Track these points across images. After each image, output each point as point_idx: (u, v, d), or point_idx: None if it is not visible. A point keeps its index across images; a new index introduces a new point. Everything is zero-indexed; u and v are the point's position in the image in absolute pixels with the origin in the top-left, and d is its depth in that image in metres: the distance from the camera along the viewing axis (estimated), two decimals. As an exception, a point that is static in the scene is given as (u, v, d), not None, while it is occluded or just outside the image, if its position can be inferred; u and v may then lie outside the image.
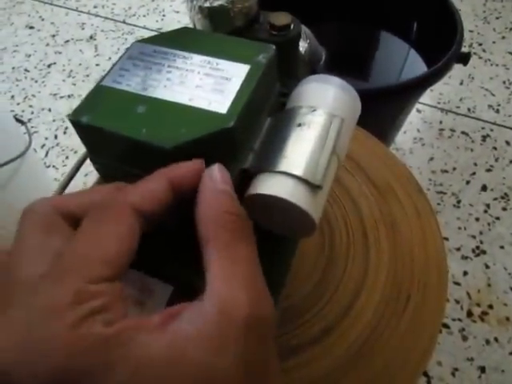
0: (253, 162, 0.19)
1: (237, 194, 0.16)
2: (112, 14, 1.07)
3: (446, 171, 0.71)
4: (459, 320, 0.57)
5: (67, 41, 1.01)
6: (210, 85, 0.18)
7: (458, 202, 0.68)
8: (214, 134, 0.16)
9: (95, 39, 1.00)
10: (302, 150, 0.18)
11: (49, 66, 0.95)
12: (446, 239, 0.64)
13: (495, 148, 0.74)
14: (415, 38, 0.60)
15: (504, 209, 0.67)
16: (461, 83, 0.85)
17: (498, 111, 0.79)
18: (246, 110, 0.17)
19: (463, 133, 0.76)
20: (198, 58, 0.19)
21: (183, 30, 0.21)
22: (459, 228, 0.65)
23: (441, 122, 0.78)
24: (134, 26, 1.03)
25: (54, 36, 1.02)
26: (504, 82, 0.84)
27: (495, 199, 0.68)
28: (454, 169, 0.72)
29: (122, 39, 0.99)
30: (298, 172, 0.17)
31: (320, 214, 0.18)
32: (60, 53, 0.98)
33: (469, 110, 0.80)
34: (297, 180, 0.17)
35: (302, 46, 0.33)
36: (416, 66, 0.60)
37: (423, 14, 0.55)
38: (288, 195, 0.17)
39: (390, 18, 0.62)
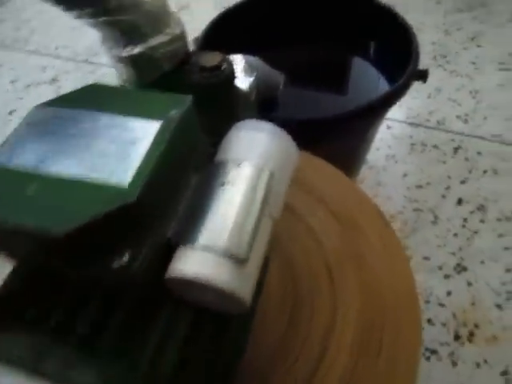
0: (176, 230, 0.17)
1: (160, 268, 0.14)
2: (74, 53, 1.05)
3: (421, 186, 0.70)
4: (447, 344, 0.55)
5: (28, 85, 0.98)
6: (115, 151, 0.16)
7: (435, 217, 0.66)
8: (113, 212, 0.14)
9: (58, 81, 0.98)
10: (224, 217, 0.16)
11: (10, 113, 0.92)
12: (427, 258, 0.62)
13: (467, 159, 0.73)
14: (374, 56, 0.59)
15: (481, 221, 0.66)
16: (428, 96, 0.85)
17: (466, 121, 0.79)
18: (155, 176, 0.15)
19: (434, 146, 0.76)
20: (105, 119, 0.17)
21: (90, 88, 0.18)
22: (438, 246, 0.63)
23: (411, 137, 0.78)
24: (98, 64, 1.01)
25: (13, 82, 1.00)
26: (470, 92, 0.85)
27: (472, 212, 0.67)
28: (428, 183, 0.70)
29: (85, 79, 0.98)
30: (220, 245, 0.15)
31: (250, 289, 0.16)
32: (21, 98, 0.95)
33: (438, 122, 0.80)
34: (218, 255, 0.15)
35: (246, 80, 0.31)
36: (379, 83, 0.59)
37: (380, 33, 0.55)
38: (209, 275, 0.15)
39: (350, 39, 0.61)
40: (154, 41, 0.23)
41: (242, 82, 0.32)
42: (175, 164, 0.17)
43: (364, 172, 0.72)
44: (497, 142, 0.76)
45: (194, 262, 0.15)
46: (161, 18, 0.23)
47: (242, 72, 0.33)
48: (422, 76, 0.45)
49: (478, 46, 0.94)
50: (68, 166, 0.15)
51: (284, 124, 0.42)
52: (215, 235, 0.15)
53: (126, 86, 0.18)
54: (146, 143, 0.16)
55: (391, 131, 0.79)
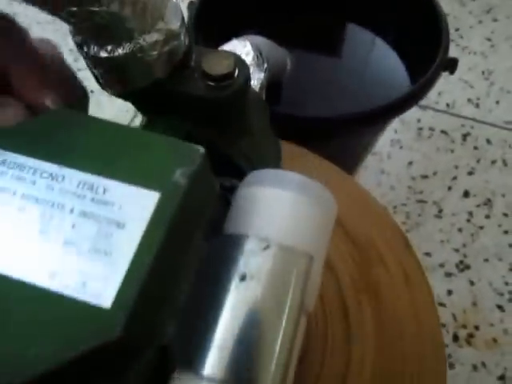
0: (176, 335, 0.12)
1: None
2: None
3: (426, 176, 0.66)
4: (446, 346, 0.53)
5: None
6: (89, 239, 0.11)
7: (440, 211, 0.63)
8: (89, 352, 0.09)
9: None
10: (243, 331, 0.11)
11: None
12: (429, 255, 0.59)
13: (476, 148, 0.69)
14: (393, 35, 0.53)
15: (487, 216, 0.63)
16: (438, 75, 0.79)
17: (477, 106, 0.74)
18: (151, 283, 0.10)
19: (443, 132, 0.71)
20: (72, 178, 0.12)
21: (53, 119, 0.13)
22: (442, 241, 0.60)
23: (419, 121, 0.72)
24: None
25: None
26: (483, 73, 0.79)
27: (478, 206, 0.63)
28: (435, 173, 0.66)
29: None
30: (237, 378, 0.11)
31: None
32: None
33: (448, 105, 0.74)
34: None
35: (257, 77, 0.26)
36: (390, 62, 0.53)
37: (404, 12, 0.48)
38: None
39: (366, 12, 0.54)
40: (144, 39, 0.17)
41: (253, 80, 0.27)
42: (178, 248, 0.12)
43: (367, 159, 0.67)
44: (508, 130, 0.71)
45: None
46: (153, 8, 0.17)
47: (252, 66, 0.27)
48: (451, 65, 0.39)
49: (494, 21, 0.87)
50: (9, 265, 0.10)
51: (291, 120, 0.37)
52: (229, 360, 0.11)
53: (107, 121, 0.13)
54: (138, 229, 0.11)
55: (398, 113, 0.74)
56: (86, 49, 0.17)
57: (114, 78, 0.18)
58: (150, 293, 0.10)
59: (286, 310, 0.11)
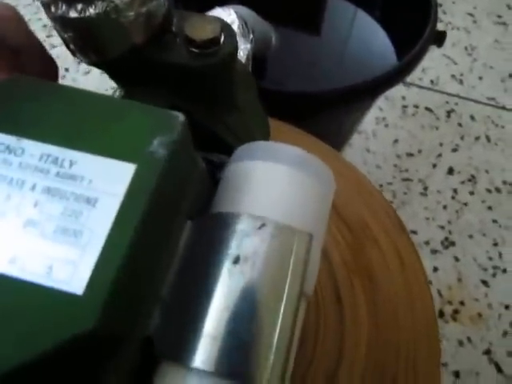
0: (159, 326, 0.11)
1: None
2: None
3: (412, 154, 0.66)
4: (432, 322, 0.53)
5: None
6: (53, 218, 0.09)
7: (425, 189, 0.63)
8: (59, 348, 0.08)
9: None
10: (240, 321, 0.10)
11: None
12: (415, 233, 0.59)
13: (460, 124, 0.69)
14: (379, 10, 0.51)
15: (471, 193, 0.63)
16: (422, 51, 0.78)
17: (461, 82, 0.74)
18: (129, 267, 0.09)
19: (427, 109, 0.71)
20: (34, 151, 0.10)
21: (10, 86, 0.11)
22: (427, 218, 0.60)
23: (404, 98, 0.72)
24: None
25: None
26: (466, 48, 0.78)
27: (462, 182, 0.64)
28: (420, 151, 0.66)
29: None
30: (233, 370, 0.09)
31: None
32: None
33: (432, 81, 0.74)
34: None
35: (244, 48, 0.24)
36: (369, 29, 0.51)
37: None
38: None
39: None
40: (118, -2, 0.15)
41: (239, 50, 0.25)
42: (158, 228, 0.11)
43: (352, 137, 0.66)
44: (491, 106, 0.71)
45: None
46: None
47: (237, 36, 0.25)
48: (439, 38, 0.38)
49: (477, -5, 0.86)
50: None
51: (278, 96, 0.35)
52: (222, 352, 0.10)
53: (74, 88, 0.11)
54: (112, 205, 0.09)
55: (382, 91, 0.73)
56: (53, 9, 0.15)
57: (86, 43, 0.16)
58: (127, 278, 0.09)
59: (285, 296, 0.10)
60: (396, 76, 0.34)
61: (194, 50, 0.17)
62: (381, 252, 0.27)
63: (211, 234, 0.12)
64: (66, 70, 0.73)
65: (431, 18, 0.36)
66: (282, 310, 0.10)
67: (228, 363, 0.10)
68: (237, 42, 0.18)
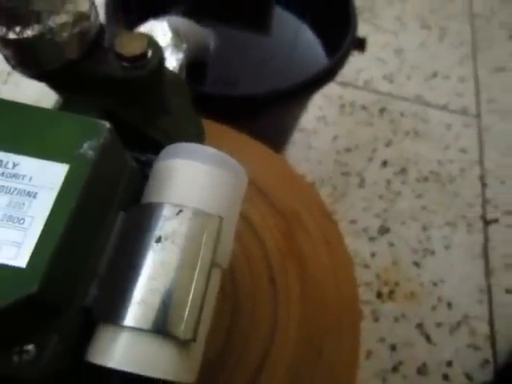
0: (97, 297, 0.13)
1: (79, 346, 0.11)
2: None
3: (350, 150, 0.71)
4: (370, 303, 0.58)
5: None
6: (1, 209, 0.11)
7: (362, 181, 0.68)
8: (9, 307, 0.10)
9: None
10: (160, 288, 0.12)
11: None
12: (354, 222, 0.64)
13: (392, 121, 0.75)
14: (309, 14, 0.55)
15: (403, 182, 0.69)
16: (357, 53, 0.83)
17: (391, 82, 0.80)
18: (64, 244, 0.11)
19: (362, 107, 0.76)
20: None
21: None
22: (364, 209, 0.66)
23: (341, 97, 0.77)
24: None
25: None
26: (395, 50, 0.85)
27: (395, 174, 0.69)
28: (357, 146, 0.71)
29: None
30: (156, 326, 0.12)
31: (195, 369, 0.13)
32: None
33: (365, 82, 0.79)
34: (153, 338, 0.12)
35: (175, 58, 0.26)
36: (309, 41, 0.55)
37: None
38: (141, 365, 0.12)
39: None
40: (53, 21, 0.17)
41: (171, 60, 0.27)
42: (91, 215, 0.13)
43: (295, 135, 0.70)
44: (417, 104, 0.78)
45: (121, 347, 0.12)
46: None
47: (170, 47, 0.28)
48: (360, 44, 0.42)
49: (403, 1, 0.94)
50: None
51: (215, 99, 0.38)
52: (148, 312, 0.12)
53: (12, 102, 0.13)
54: (49, 197, 0.12)
55: (322, 91, 0.78)
56: (-6, 30, 0.17)
57: (25, 59, 0.18)
58: (64, 254, 0.11)
59: (198, 266, 0.13)
60: (321, 80, 0.38)
61: (123, 63, 0.19)
62: (310, 237, 0.31)
63: (140, 220, 0.14)
64: (9, 73, 0.71)
65: (351, 28, 0.40)
66: (195, 277, 0.13)
67: (153, 321, 0.12)
68: (163, 56, 0.20)
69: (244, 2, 0.56)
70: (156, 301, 0.12)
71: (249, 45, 0.53)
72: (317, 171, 0.68)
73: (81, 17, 0.18)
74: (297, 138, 0.71)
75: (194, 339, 0.12)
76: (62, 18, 0.17)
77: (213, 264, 0.13)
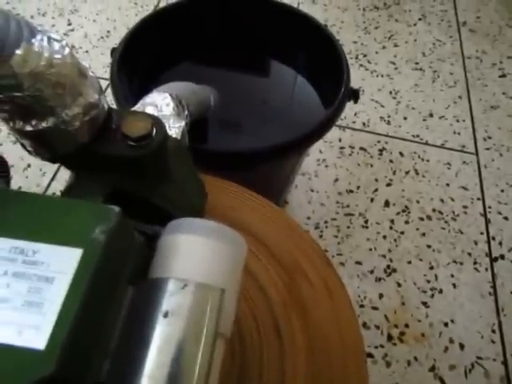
0: (110, 372, 0.14)
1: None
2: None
3: (352, 191, 0.72)
4: (381, 346, 0.58)
5: None
6: (21, 295, 0.13)
7: (366, 221, 0.69)
8: None
9: None
10: (169, 361, 0.13)
11: None
12: (360, 263, 0.64)
13: (391, 161, 0.77)
14: (304, 66, 0.58)
15: (406, 222, 0.69)
16: (353, 97, 0.87)
17: (389, 123, 0.83)
18: (79, 326, 0.12)
19: (362, 148, 0.78)
20: (5, 245, 0.13)
21: None
22: (370, 249, 0.66)
23: (340, 140, 0.79)
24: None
25: None
26: (390, 93, 0.88)
27: (398, 213, 0.70)
28: (358, 187, 0.73)
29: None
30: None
31: None
32: None
33: (364, 124, 0.82)
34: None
35: (177, 126, 0.28)
36: (305, 90, 0.58)
37: (311, 46, 0.53)
38: None
39: (279, 47, 0.59)
40: (66, 114, 0.19)
41: (173, 128, 0.29)
42: (103, 294, 0.14)
43: (297, 178, 0.72)
44: (415, 143, 0.80)
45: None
46: (71, 88, 0.19)
47: (172, 117, 0.30)
48: (354, 95, 0.45)
49: (395, 46, 0.98)
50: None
51: (216, 155, 0.40)
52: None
53: (29, 193, 0.15)
54: (65, 281, 0.13)
55: (321, 134, 0.80)
56: (11, 124, 0.19)
57: (41, 146, 0.20)
58: (79, 335, 0.12)
59: (203, 338, 0.14)
60: (318, 131, 0.40)
61: (130, 143, 0.21)
62: (312, 286, 0.31)
63: (148, 295, 0.15)
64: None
65: (344, 83, 0.43)
66: (201, 349, 0.14)
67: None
68: (166, 134, 0.22)
69: (242, 52, 0.60)
70: (164, 374, 0.13)
71: (250, 86, 0.55)
72: (320, 213, 0.69)
73: (91, 107, 0.20)
74: (298, 181, 0.73)
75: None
76: (74, 110, 0.19)
77: (217, 334, 0.14)
